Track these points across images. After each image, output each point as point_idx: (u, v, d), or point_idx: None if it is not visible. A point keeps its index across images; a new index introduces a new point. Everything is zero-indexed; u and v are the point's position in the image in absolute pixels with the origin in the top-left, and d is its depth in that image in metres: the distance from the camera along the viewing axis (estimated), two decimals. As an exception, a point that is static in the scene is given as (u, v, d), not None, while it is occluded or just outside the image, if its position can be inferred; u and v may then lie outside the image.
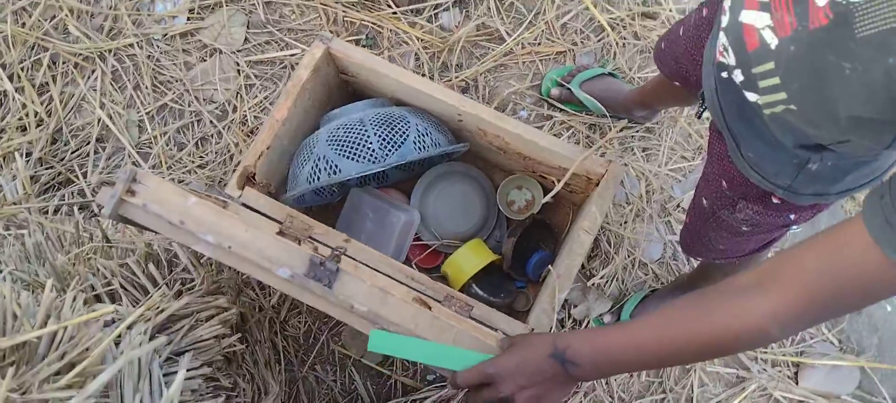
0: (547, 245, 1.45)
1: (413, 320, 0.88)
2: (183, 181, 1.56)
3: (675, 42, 1.03)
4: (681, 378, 1.48)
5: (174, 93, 1.62)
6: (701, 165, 1.55)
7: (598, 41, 1.64)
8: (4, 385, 0.64)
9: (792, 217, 0.85)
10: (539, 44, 1.64)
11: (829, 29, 0.51)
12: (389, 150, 1.22)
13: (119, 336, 0.84)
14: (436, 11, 1.65)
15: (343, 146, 1.21)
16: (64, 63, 1.62)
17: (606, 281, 1.51)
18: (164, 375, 0.88)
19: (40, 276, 1.06)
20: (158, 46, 1.64)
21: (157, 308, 0.97)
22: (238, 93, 1.61)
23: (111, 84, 1.62)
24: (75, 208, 1.45)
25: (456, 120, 1.31)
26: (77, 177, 1.56)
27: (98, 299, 1.02)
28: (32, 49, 1.63)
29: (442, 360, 0.87)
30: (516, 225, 1.42)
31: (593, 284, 1.50)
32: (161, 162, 1.57)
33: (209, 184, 1.55)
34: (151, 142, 1.59)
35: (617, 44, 1.63)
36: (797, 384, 1.48)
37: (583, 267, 1.52)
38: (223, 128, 1.59)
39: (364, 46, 1.62)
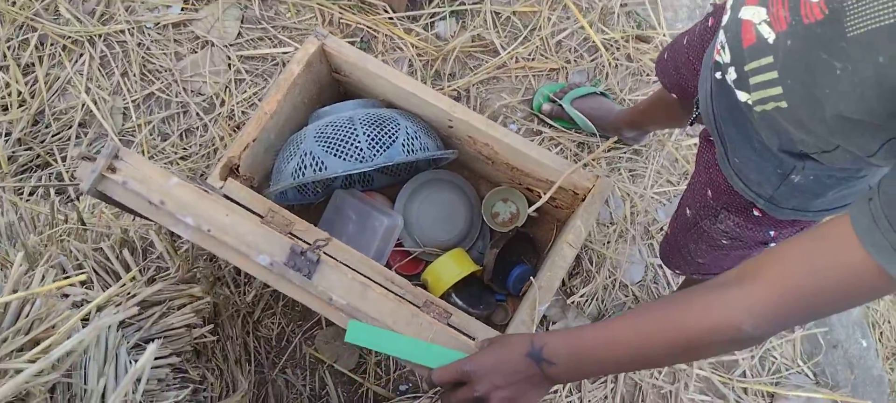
0: (529, 259, 1.45)
1: (392, 315, 0.87)
2: (165, 171, 1.53)
3: (679, 51, 1.04)
4: None
5: (162, 82, 1.60)
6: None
7: (592, 61, 1.65)
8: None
9: (772, 233, 0.86)
10: (533, 59, 1.64)
11: (824, 24, 0.52)
12: (377, 151, 1.20)
13: (87, 316, 0.81)
14: (432, 20, 1.65)
15: (331, 143, 1.20)
16: (52, 45, 1.60)
17: (586, 300, 1.50)
18: (131, 362, 0.85)
19: (10, 256, 1.03)
20: (150, 34, 1.62)
21: (129, 293, 0.95)
22: (227, 87, 1.60)
23: (99, 69, 1.59)
24: (51, 190, 1.42)
25: (446, 126, 1.30)
26: (56, 160, 1.53)
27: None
28: (21, 28, 1.61)
29: (418, 356, 0.86)
30: (499, 237, 1.42)
31: (573, 302, 1.49)
32: (144, 150, 1.54)
33: (191, 176, 1.52)
34: (135, 131, 1.57)
35: (610, 64, 1.64)
36: (772, 415, 1.48)
37: (563, 283, 1.51)
38: (209, 122, 1.57)
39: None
